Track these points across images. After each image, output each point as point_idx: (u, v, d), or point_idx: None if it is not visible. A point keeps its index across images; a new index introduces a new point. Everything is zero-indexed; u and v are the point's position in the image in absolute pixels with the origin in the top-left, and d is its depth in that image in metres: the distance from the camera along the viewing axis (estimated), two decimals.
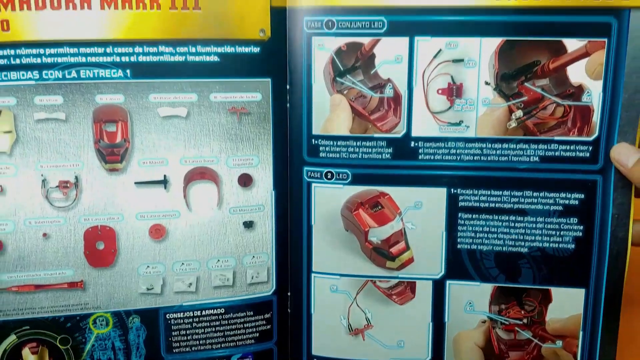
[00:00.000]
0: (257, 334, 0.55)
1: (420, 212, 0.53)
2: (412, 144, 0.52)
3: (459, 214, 0.53)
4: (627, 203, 0.50)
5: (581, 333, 0.52)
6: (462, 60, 0.50)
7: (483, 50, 0.49)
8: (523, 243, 0.52)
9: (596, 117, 0.49)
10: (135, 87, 0.49)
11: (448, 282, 0.54)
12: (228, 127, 0.51)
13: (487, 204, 0.52)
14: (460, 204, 0.52)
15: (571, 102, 0.49)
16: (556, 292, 0.52)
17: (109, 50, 0.48)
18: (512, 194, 0.52)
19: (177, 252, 0.52)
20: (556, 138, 0.50)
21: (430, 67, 0.50)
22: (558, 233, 0.51)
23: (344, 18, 0.50)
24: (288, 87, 0.52)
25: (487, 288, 0.53)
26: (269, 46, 0.50)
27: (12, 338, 0.50)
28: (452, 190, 0.52)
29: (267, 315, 0.54)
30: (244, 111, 0.51)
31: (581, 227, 0.51)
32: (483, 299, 0.54)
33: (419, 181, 0.52)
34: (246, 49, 0.50)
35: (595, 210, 0.50)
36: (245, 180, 0.52)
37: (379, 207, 0.53)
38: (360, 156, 0.52)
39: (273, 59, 0.51)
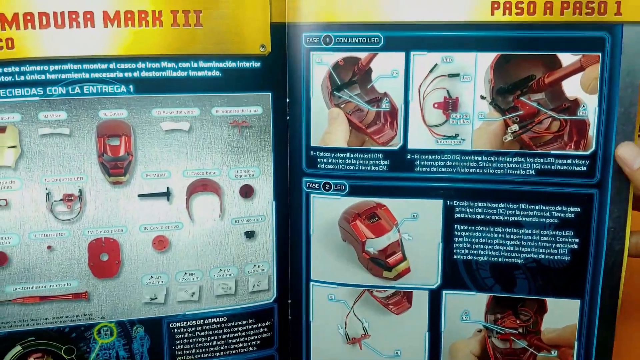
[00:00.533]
0: (259, 341, 0.56)
1: (417, 223, 0.54)
2: (409, 156, 0.52)
3: (455, 225, 0.53)
4: (624, 216, 0.50)
5: (576, 343, 0.53)
6: (457, 75, 0.50)
7: (478, 65, 0.50)
8: (519, 254, 0.53)
9: (592, 131, 0.49)
10: (138, 102, 0.50)
11: (444, 292, 0.54)
12: (230, 140, 0.52)
13: (483, 216, 0.53)
14: (457, 215, 0.53)
15: (567, 116, 0.50)
16: (551, 302, 0.53)
17: (112, 66, 0.49)
18: (508, 206, 0.52)
19: (180, 262, 0.53)
20: (552, 152, 0.50)
21: (426, 82, 0.51)
22: (553, 245, 0.52)
23: (342, 34, 0.51)
24: (288, 100, 0.52)
25: (483, 298, 0.54)
26: (270, 61, 0.51)
27: (18, 349, 0.51)
28: (449, 202, 0.53)
29: (268, 323, 0.56)
30: (245, 124, 0.52)
31: (577, 240, 0.51)
32: (479, 308, 0.54)
33: (416, 193, 0.53)
34: (247, 64, 0.51)
35: (592, 224, 0.51)
36: (247, 191, 0.53)
37: (376, 219, 0.54)
38: (357, 168, 0.53)
39: (273, 74, 0.52)
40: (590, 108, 0.49)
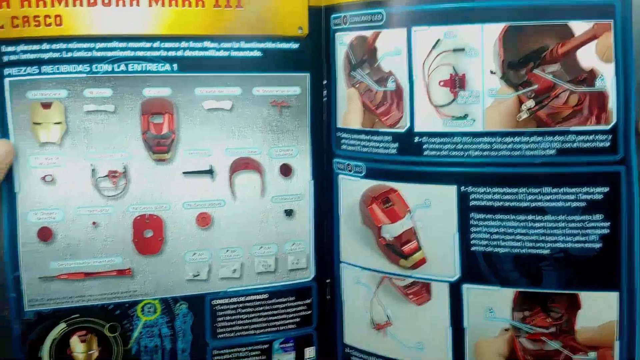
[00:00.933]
0: (298, 319, 0.56)
1: (430, 210, 0.50)
2: (416, 139, 0.50)
3: (471, 214, 0.49)
4: None
5: (617, 343, 0.47)
6: (463, 50, 0.47)
7: (485, 38, 0.47)
8: (544, 244, 0.47)
9: (612, 103, 0.45)
10: (181, 80, 0.51)
11: (465, 285, 0.50)
12: (270, 120, 0.53)
13: (501, 203, 0.48)
14: (472, 203, 0.49)
15: (585, 88, 0.46)
16: (585, 297, 0.47)
17: (156, 45, 0.50)
18: (529, 191, 0.47)
19: (222, 239, 0.53)
20: (572, 128, 0.46)
21: (429, 58, 0.49)
22: (582, 232, 0.47)
23: (352, 13, 0.52)
24: (325, 82, 0.54)
25: (508, 293, 0.49)
26: (307, 43, 0.53)
27: (62, 326, 0.51)
28: (462, 188, 0.49)
29: (307, 301, 0.56)
30: (284, 104, 0.53)
31: (607, 224, 0.46)
32: (504, 305, 0.49)
33: (426, 178, 0.50)
34: (286, 45, 0.52)
35: (621, 205, 0.46)
36: (286, 170, 0.54)
37: (390, 204, 0.52)
38: (370, 150, 0.52)
39: (311, 55, 0.54)
40: (607, 78, 0.45)
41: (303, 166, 0.55)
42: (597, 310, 0.47)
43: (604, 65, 0.45)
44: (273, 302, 0.55)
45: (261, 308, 0.55)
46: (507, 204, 0.48)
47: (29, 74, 0.49)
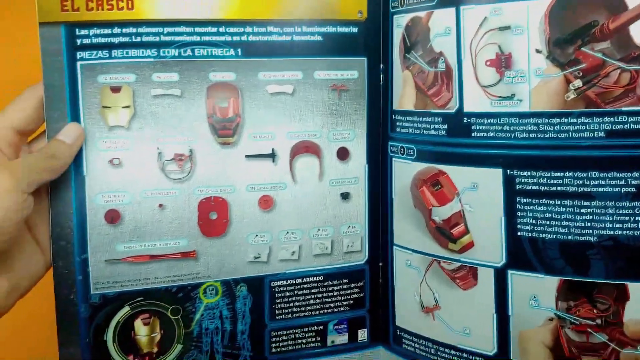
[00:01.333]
0: (352, 302, 0.57)
1: (477, 194, 0.50)
2: (465, 120, 0.50)
3: (518, 198, 0.48)
4: None
5: None
6: (509, 28, 0.47)
7: (531, 15, 0.46)
8: (591, 231, 0.45)
9: None
10: (245, 65, 0.52)
11: (510, 272, 0.49)
12: (329, 103, 0.54)
13: (547, 187, 0.47)
14: (518, 187, 0.48)
15: (637, 66, 0.43)
16: (634, 287, 0.45)
17: (221, 30, 0.51)
18: (576, 175, 0.46)
19: (282, 221, 0.55)
20: (624, 109, 0.43)
21: (477, 38, 0.48)
22: (632, 219, 0.44)
23: None
24: (382, 65, 0.55)
25: (553, 281, 0.47)
26: (366, 27, 0.55)
27: (126, 310, 0.51)
28: (509, 171, 0.48)
29: (360, 284, 0.57)
30: (343, 88, 0.55)
31: None
32: (549, 293, 0.48)
33: (474, 160, 0.50)
34: (346, 29, 0.54)
35: None
36: (343, 154, 0.55)
37: (439, 186, 0.52)
38: (422, 132, 0.53)
39: (369, 39, 0.55)
40: None
41: (359, 150, 0.56)
42: None
43: None
44: (328, 284, 0.56)
45: (317, 290, 0.56)
46: (553, 188, 0.47)
47: (100, 58, 0.49)
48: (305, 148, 0.54)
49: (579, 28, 0.45)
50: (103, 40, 0.49)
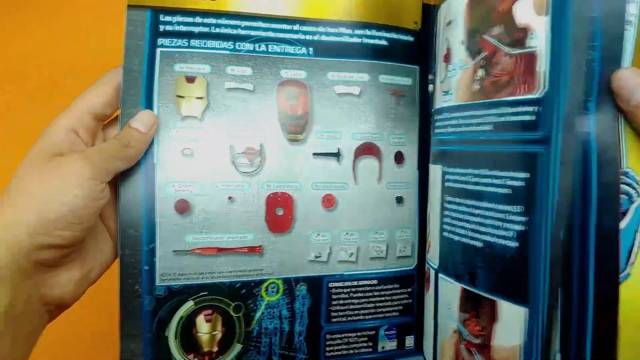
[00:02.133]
0: (401, 307, 0.57)
1: (431, 191, 0.50)
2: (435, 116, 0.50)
3: (444, 196, 0.45)
4: (614, 181, 0.34)
5: None
6: (451, 22, 0.45)
7: (460, 7, 0.44)
8: (479, 235, 0.41)
9: (540, 66, 0.36)
10: (316, 64, 0.53)
11: (440, 275, 0.47)
12: (390, 107, 0.56)
13: (459, 185, 0.43)
14: (445, 184, 0.45)
15: (519, 50, 0.38)
16: (504, 307, 0.38)
17: (296, 27, 0.52)
18: (474, 172, 0.41)
19: (343, 222, 0.55)
20: (505, 99, 0.38)
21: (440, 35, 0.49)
22: (502, 225, 0.39)
23: None
24: (430, 76, 0.58)
25: (458, 289, 0.43)
26: (419, 37, 0.57)
27: (190, 304, 0.50)
28: (444, 168, 0.46)
29: (409, 289, 0.58)
30: (400, 93, 0.56)
31: (523, 219, 0.37)
32: (456, 302, 0.43)
33: (433, 158, 0.50)
34: (404, 37, 0.56)
35: (535, 198, 0.36)
36: (399, 158, 0.56)
37: None
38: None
39: (422, 48, 0.57)
40: (540, 35, 0.36)
41: (412, 155, 0.57)
42: (509, 326, 0.38)
43: (537, 19, 0.37)
44: (381, 288, 0.56)
45: (370, 294, 0.56)
46: (460, 186, 0.43)
47: (179, 47, 0.49)
48: (368, 149, 0.55)
49: (483, 14, 0.41)
50: (184, 28, 0.49)
